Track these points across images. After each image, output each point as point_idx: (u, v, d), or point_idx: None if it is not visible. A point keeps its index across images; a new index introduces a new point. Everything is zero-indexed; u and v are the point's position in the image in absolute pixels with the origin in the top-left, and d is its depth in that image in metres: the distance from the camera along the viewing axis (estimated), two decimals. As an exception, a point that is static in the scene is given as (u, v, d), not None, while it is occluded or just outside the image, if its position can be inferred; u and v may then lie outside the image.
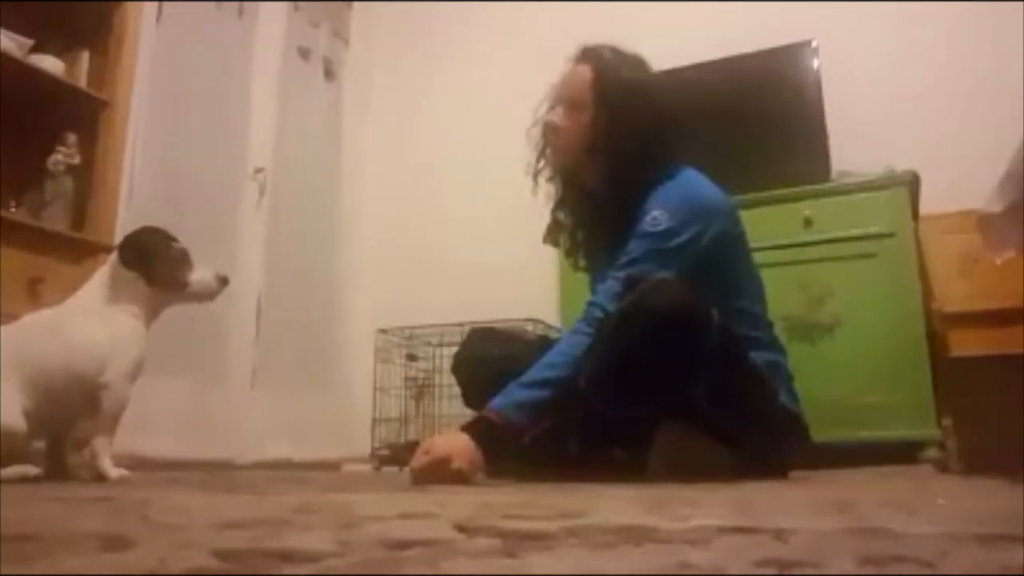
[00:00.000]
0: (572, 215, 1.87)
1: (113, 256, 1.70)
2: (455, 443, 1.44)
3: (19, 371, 1.47)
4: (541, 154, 1.83)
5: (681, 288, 1.50)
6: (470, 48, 3.97)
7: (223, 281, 1.75)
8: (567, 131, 1.75)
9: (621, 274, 1.59)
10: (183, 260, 1.72)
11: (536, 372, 1.53)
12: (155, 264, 1.68)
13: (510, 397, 1.50)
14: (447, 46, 4.05)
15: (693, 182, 1.69)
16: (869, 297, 2.54)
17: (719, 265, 1.63)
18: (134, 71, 2.60)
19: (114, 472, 1.53)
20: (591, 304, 1.61)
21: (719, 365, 1.51)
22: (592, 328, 1.55)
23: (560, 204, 1.87)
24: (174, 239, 1.73)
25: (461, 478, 1.39)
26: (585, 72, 1.74)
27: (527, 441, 1.72)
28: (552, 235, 3.01)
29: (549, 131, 1.79)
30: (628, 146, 1.66)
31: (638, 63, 1.77)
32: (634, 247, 1.61)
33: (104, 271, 1.69)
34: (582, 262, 1.91)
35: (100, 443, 1.54)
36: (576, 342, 1.56)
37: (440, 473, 1.38)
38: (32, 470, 1.51)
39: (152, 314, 1.69)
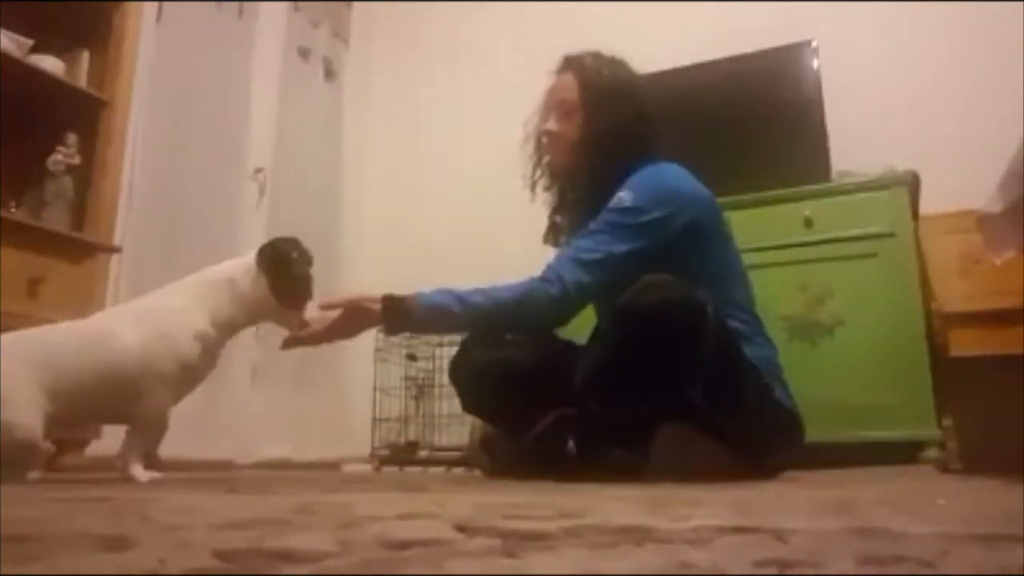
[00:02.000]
0: (568, 213, 1.90)
1: (238, 261, 1.62)
2: (361, 307, 1.62)
3: (45, 374, 1.39)
4: (537, 164, 1.90)
5: (676, 286, 1.50)
6: (470, 48, 3.98)
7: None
8: (562, 135, 1.82)
9: (575, 242, 1.67)
10: (310, 286, 1.64)
11: (470, 291, 1.65)
12: (290, 277, 1.59)
13: (429, 296, 1.64)
14: (447, 46, 4.05)
15: (668, 171, 1.73)
16: (869, 297, 2.54)
17: (694, 256, 1.65)
18: (134, 71, 2.60)
19: (144, 477, 1.45)
20: (549, 267, 1.67)
21: (716, 363, 1.52)
22: (541, 283, 1.63)
23: (558, 208, 1.92)
24: (310, 262, 1.66)
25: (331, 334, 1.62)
26: (570, 79, 1.83)
27: (527, 441, 1.72)
28: (553, 236, 3.02)
29: (546, 138, 1.86)
30: (611, 134, 1.73)
31: (618, 62, 1.84)
32: (596, 221, 1.67)
33: (217, 272, 1.60)
34: None
35: (130, 447, 1.47)
36: (518, 287, 1.65)
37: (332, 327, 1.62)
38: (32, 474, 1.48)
39: (237, 328, 1.62)
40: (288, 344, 1.69)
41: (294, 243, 1.67)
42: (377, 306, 1.61)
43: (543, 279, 1.64)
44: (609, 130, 1.73)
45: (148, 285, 1.72)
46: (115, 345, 1.47)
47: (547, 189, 1.91)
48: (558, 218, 1.92)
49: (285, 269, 1.60)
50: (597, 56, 1.84)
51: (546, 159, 1.88)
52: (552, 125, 1.83)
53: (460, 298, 1.63)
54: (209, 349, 1.56)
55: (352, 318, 1.64)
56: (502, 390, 1.73)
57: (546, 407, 1.71)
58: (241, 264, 1.61)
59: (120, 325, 1.52)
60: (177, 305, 1.55)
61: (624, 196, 1.65)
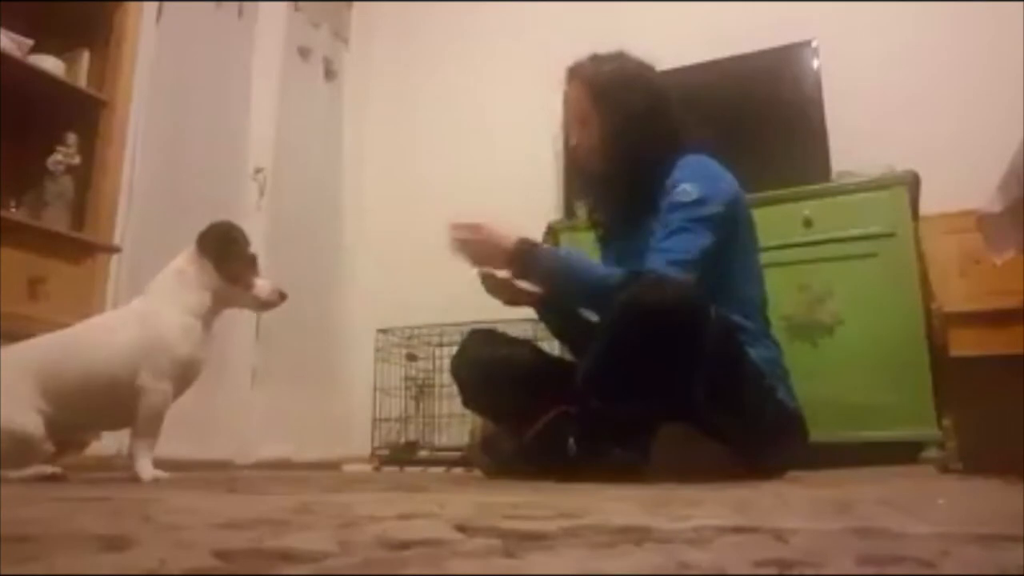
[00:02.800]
0: (606, 215, 1.92)
1: (185, 251, 1.69)
2: (503, 232, 1.66)
3: (41, 382, 1.47)
4: (577, 177, 1.93)
5: (678, 285, 1.50)
6: (470, 48, 3.97)
7: (281, 296, 1.76)
8: (585, 144, 1.84)
9: (663, 244, 1.61)
10: (253, 263, 1.73)
11: (599, 266, 1.71)
12: (230, 255, 1.68)
13: (559, 252, 1.75)
14: (447, 46, 4.05)
15: (711, 161, 1.75)
16: (869, 297, 2.54)
17: (728, 245, 1.66)
18: (134, 71, 2.59)
19: (148, 475, 1.49)
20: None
21: (717, 362, 1.52)
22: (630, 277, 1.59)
23: (597, 211, 1.94)
24: (249, 242, 1.75)
25: (485, 252, 1.69)
26: (576, 87, 1.85)
27: (527, 439, 1.73)
28: (552, 237, 3.03)
29: (574, 151, 1.90)
30: (628, 126, 1.75)
31: (618, 56, 1.86)
32: (669, 220, 1.64)
33: (171, 267, 1.68)
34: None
35: (137, 445, 1.53)
36: (617, 272, 1.65)
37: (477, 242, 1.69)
38: (48, 468, 1.50)
39: (212, 313, 1.68)
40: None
41: (229, 225, 1.75)
42: (509, 244, 1.64)
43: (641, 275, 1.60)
44: (624, 122, 1.75)
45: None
46: (109, 347, 1.56)
47: (586, 198, 1.94)
48: (599, 220, 1.94)
49: (225, 249, 1.68)
50: (596, 57, 1.85)
51: (583, 169, 1.91)
52: (575, 138, 1.86)
53: (591, 267, 1.66)
54: (195, 340, 1.62)
55: (484, 245, 1.68)
56: (503, 386, 1.74)
57: (547, 404, 1.71)
58: (187, 253, 1.69)
59: (112, 328, 1.62)
60: (155, 306, 1.63)
61: (688, 188, 1.64)
